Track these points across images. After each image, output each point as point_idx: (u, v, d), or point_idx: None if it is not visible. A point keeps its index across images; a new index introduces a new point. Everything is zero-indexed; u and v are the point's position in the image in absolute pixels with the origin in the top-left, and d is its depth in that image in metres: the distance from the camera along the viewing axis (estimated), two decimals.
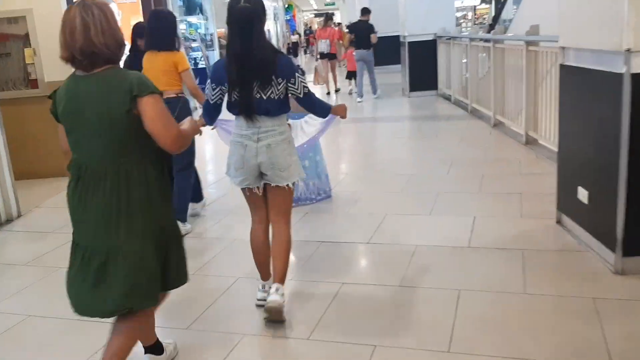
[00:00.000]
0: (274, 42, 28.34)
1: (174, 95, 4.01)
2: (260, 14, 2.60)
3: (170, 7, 10.57)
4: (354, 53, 11.34)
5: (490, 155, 6.00)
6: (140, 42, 4.44)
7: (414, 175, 5.40)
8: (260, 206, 2.86)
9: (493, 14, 28.54)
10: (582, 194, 3.42)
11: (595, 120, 3.25)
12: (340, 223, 4.32)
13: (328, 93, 12.36)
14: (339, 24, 20.78)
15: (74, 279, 2.09)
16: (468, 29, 21.93)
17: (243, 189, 2.82)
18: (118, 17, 2.22)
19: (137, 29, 4.60)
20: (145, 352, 2.41)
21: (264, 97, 2.62)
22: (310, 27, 27.14)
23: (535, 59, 6.03)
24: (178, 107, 3.76)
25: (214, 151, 7.24)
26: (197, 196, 4.63)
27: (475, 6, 27.00)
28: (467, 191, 4.78)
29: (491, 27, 10.52)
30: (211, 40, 14.02)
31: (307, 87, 2.71)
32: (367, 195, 4.92)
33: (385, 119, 9.21)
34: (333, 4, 43.07)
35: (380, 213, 4.32)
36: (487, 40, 7.82)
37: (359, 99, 11.06)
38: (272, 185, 2.75)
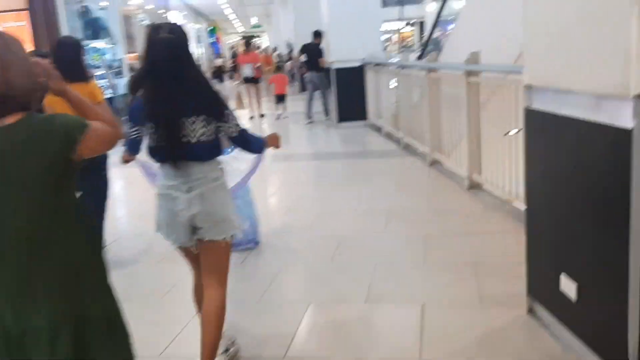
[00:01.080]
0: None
1: None
2: (186, 43, 2.33)
3: (68, 32, 9.30)
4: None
5: (432, 205, 5.11)
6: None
7: (345, 237, 4.40)
8: (195, 262, 2.54)
9: (418, 37, 28.71)
10: (568, 286, 2.52)
11: (588, 185, 2.36)
12: (252, 312, 3.24)
13: (252, 117, 12.11)
14: (264, 47, 19.99)
15: None
16: (395, 53, 21.61)
17: (178, 249, 2.52)
18: None
19: (37, 55, 3.71)
20: None
21: (193, 141, 2.30)
22: (236, 50, 26.07)
23: (478, 90, 5.25)
24: None
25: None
26: None
27: (399, 29, 26.84)
28: (410, 260, 3.83)
29: (422, 52, 9.85)
30: (119, 66, 12.68)
31: (239, 125, 2.43)
32: (288, 272, 3.90)
33: (312, 156, 8.24)
34: (259, 26, 42.43)
35: (303, 301, 3.30)
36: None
37: (307, 121, 10.96)
38: (205, 239, 2.39)
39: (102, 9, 11.75)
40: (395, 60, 8.32)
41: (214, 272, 2.45)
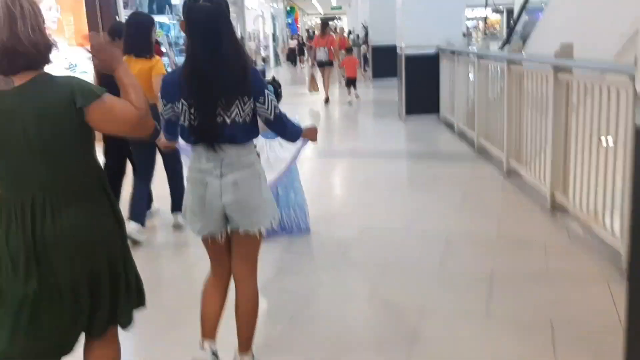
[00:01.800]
0: (270, 48, 26.81)
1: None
2: (226, 13, 2.15)
3: (130, 6, 8.94)
4: None
5: (503, 230, 4.19)
6: (118, 42, 4.04)
7: (390, 266, 3.63)
8: (223, 259, 2.37)
9: (505, 25, 26.88)
10: None
11: None
12: None
13: (327, 100, 12.12)
14: (341, 30, 19.20)
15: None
16: (478, 41, 20.22)
17: (203, 238, 2.32)
18: (56, 13, 2.61)
19: (113, 29, 4.37)
20: None
21: (228, 121, 2.15)
22: (314, 31, 25.37)
23: (568, 90, 4.28)
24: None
25: None
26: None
27: (485, 17, 25.23)
28: (468, 312, 3.00)
29: (505, 41, 8.74)
30: (183, 43, 12.26)
31: (278, 107, 2.27)
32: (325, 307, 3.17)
33: (372, 153, 7.37)
34: (339, 7, 41.59)
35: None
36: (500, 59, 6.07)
37: None
38: (239, 231, 2.27)
39: None
40: (473, 48, 7.32)
41: (247, 263, 2.33)
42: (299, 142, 2.95)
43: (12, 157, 1.70)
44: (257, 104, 2.20)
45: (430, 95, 9.18)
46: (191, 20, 2.12)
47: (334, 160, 7.12)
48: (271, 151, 3.84)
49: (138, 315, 2.02)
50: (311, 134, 2.65)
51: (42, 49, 1.69)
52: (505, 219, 4.44)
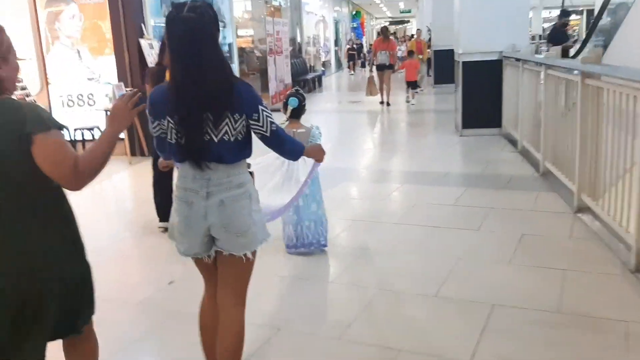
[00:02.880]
0: (331, 52, 26.04)
1: None
2: (209, 24, 2.02)
3: (153, 11, 8.34)
4: None
5: (568, 300, 3.13)
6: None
7: (427, 321, 2.69)
8: (213, 277, 2.24)
9: (584, 27, 24.85)
10: None
11: None
12: None
13: (382, 102, 12.30)
14: (418, 33, 18.22)
15: None
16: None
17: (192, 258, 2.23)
18: (79, 22, 2.59)
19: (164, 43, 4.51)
20: None
21: (216, 139, 2.03)
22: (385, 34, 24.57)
23: None
24: None
25: None
26: None
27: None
28: None
29: (581, 48, 7.47)
30: (229, 52, 11.69)
31: (274, 123, 2.12)
32: None
33: (417, 175, 6.35)
34: (409, 11, 40.39)
35: None
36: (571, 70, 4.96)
37: None
38: (224, 253, 2.13)
39: None
40: (541, 56, 6.20)
41: (233, 291, 2.20)
42: (310, 164, 2.91)
43: None
44: (251, 121, 2.07)
45: (491, 107, 8.08)
46: (170, 34, 2.02)
47: (370, 182, 6.20)
48: (291, 168, 3.59)
49: None
50: (315, 153, 2.51)
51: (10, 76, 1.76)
52: (572, 282, 3.35)
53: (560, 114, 5.38)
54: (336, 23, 29.40)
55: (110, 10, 7.54)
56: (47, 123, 1.72)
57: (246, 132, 2.09)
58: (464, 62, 8.09)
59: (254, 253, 2.15)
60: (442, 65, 14.19)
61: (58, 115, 7.69)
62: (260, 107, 2.08)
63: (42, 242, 1.80)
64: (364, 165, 7.09)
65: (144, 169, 7.13)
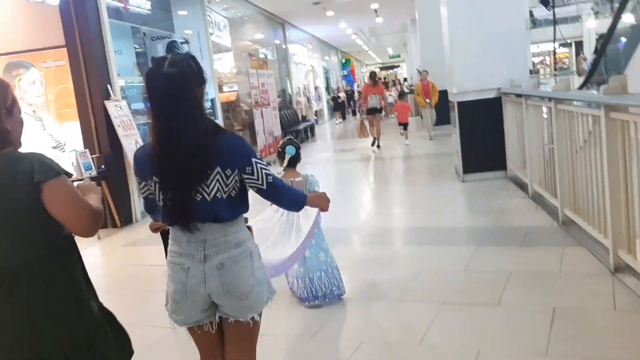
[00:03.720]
0: (323, 101, 25.66)
1: None
2: (191, 79, 1.91)
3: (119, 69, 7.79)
4: None
5: None
6: None
7: None
8: (215, 351, 2.10)
9: (574, 58, 24.65)
10: None
11: None
12: None
13: (373, 144, 12.51)
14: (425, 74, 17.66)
15: None
16: (546, 77, 18.23)
17: (189, 329, 2.06)
18: (40, 87, 2.28)
19: None
20: None
21: (208, 198, 1.92)
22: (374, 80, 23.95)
23: None
24: None
25: None
26: None
27: (554, 50, 23.14)
28: None
29: (587, 79, 6.82)
30: (211, 107, 11.11)
31: (270, 175, 2.02)
32: None
33: (424, 234, 5.56)
34: (398, 56, 40.52)
35: None
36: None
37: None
38: (229, 320, 2.01)
39: (185, 42, 10.19)
40: (547, 89, 5.55)
41: (240, 356, 2.08)
42: (314, 213, 2.94)
43: None
44: (245, 176, 1.96)
45: (493, 148, 7.40)
46: (150, 91, 1.92)
47: (366, 243, 5.43)
48: (290, 218, 3.50)
49: None
50: (319, 202, 2.42)
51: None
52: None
53: (577, 155, 4.67)
54: (326, 72, 29.22)
55: (72, 72, 6.94)
56: (55, 169, 1.71)
57: (240, 187, 1.98)
58: (459, 103, 7.44)
59: (260, 314, 2.04)
60: (438, 106, 13.66)
61: None
62: (253, 159, 1.97)
63: (45, 299, 1.73)
64: (360, 222, 6.33)
65: (115, 244, 6.42)
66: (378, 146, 12.38)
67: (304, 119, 19.58)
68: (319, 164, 11.61)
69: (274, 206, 3.36)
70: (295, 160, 3.81)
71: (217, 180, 1.91)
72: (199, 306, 1.98)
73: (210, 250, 1.94)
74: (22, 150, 1.78)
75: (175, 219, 1.94)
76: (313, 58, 25.04)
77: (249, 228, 2.09)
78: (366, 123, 12.50)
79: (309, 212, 3.33)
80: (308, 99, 22.80)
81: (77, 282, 1.81)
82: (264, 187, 1.99)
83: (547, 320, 3.16)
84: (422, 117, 13.89)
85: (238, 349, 2.07)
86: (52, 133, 7.20)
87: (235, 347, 2.07)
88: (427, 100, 12.75)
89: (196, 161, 1.89)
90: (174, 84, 1.86)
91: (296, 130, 15.99)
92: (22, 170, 1.67)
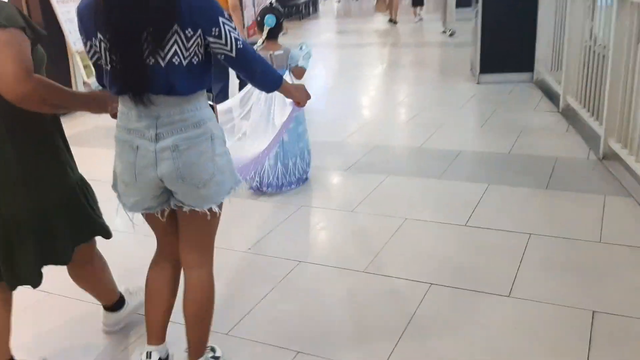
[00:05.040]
0: None
1: None
2: None
3: None
4: None
5: None
6: None
7: None
8: (168, 234, 1.88)
9: None
10: None
11: None
12: None
13: (390, 20, 12.16)
14: None
15: None
16: None
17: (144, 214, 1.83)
18: None
19: None
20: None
21: (162, 63, 1.58)
22: None
23: None
24: None
25: None
26: None
27: None
28: None
29: None
30: None
31: (240, 40, 1.66)
32: None
33: (419, 159, 4.27)
34: None
35: None
36: None
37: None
38: (184, 209, 1.75)
39: None
40: None
41: (198, 249, 1.84)
42: (288, 106, 2.48)
43: None
44: (210, 39, 1.61)
45: (520, 43, 5.99)
46: None
47: (348, 171, 4.25)
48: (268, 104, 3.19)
49: None
50: (296, 93, 2.03)
51: None
52: None
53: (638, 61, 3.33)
54: None
55: None
56: (5, 20, 1.57)
57: (204, 53, 1.64)
58: None
59: (220, 205, 1.76)
60: None
61: None
62: (221, 19, 1.61)
63: (29, 154, 1.76)
64: (343, 133, 5.06)
65: None
66: (395, 22, 12.00)
67: None
68: (315, 46, 10.10)
69: (250, 89, 3.12)
70: (276, 31, 3.48)
71: (175, 41, 1.56)
72: (150, 192, 1.72)
73: (164, 129, 1.64)
74: None
75: (123, 86, 1.62)
76: None
77: (212, 107, 1.76)
78: None
79: (287, 105, 2.68)
80: None
81: (56, 144, 1.83)
82: (233, 55, 1.67)
83: (584, 328, 2.05)
84: (418, 17, 12.21)
85: (193, 243, 1.83)
86: None
87: (189, 241, 1.83)
88: None
89: (153, 12, 1.52)
90: None
91: (295, 4, 14.20)
92: None
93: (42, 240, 1.82)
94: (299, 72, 3.47)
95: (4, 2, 1.62)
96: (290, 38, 9.56)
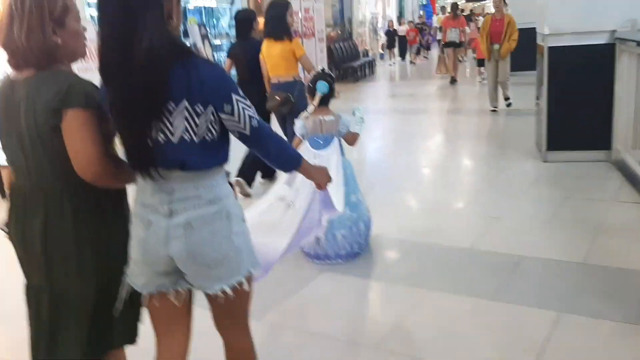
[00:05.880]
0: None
1: (292, 79, 4.70)
2: None
3: None
4: None
5: None
6: (255, 28, 5.00)
7: None
8: (175, 330, 1.76)
9: None
10: None
11: None
12: None
13: (453, 82, 11.95)
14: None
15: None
16: None
17: (150, 298, 1.72)
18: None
19: (242, 18, 5.17)
20: None
21: (173, 139, 1.56)
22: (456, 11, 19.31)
23: None
24: (296, 90, 4.62)
25: None
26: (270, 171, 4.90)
27: None
28: None
29: None
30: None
31: (255, 118, 1.62)
32: None
33: (466, 264, 3.56)
34: None
35: None
36: None
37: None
38: (206, 291, 1.69)
39: None
40: None
41: (232, 327, 1.76)
42: (309, 188, 2.39)
43: (14, 146, 1.69)
44: (222, 115, 1.57)
45: (594, 118, 5.20)
46: (101, 3, 1.54)
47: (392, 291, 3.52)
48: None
49: None
50: (315, 175, 1.86)
51: (37, 51, 1.61)
52: None
53: None
54: (400, 1, 26.30)
55: None
56: (83, 99, 1.60)
57: (220, 129, 1.60)
58: (551, 48, 5.17)
59: (240, 283, 1.65)
60: (520, 46, 11.06)
61: None
62: (234, 96, 1.58)
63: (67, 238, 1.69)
64: (379, 229, 4.34)
65: None
66: (454, 80, 11.98)
67: (366, 53, 17.28)
68: (367, 112, 9.55)
69: (280, 190, 2.86)
70: (327, 97, 3.43)
71: (185, 117, 1.52)
72: (161, 267, 1.63)
73: (178, 205, 1.58)
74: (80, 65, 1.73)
75: (133, 162, 1.58)
76: None
77: (230, 185, 1.70)
78: (445, 58, 12.26)
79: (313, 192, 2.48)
80: (375, 31, 20.32)
81: (120, 215, 1.77)
82: (247, 133, 1.61)
83: None
84: (482, 76, 11.18)
85: (223, 324, 1.75)
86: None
87: (219, 321, 1.75)
88: (495, 47, 8.19)
89: (147, 88, 1.49)
90: None
91: (350, 66, 13.88)
92: (48, 92, 1.58)
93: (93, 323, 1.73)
94: (351, 138, 3.45)
95: (85, 80, 1.65)
96: (342, 102, 9.07)
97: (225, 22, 9.18)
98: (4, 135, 1.71)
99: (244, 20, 5.12)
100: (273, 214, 2.71)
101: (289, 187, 2.82)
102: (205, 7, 8.72)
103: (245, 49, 4.95)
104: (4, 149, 1.75)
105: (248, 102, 1.61)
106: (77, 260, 1.67)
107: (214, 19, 9.08)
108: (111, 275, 1.71)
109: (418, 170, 5.94)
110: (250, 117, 1.59)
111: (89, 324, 1.70)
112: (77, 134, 1.58)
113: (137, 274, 1.67)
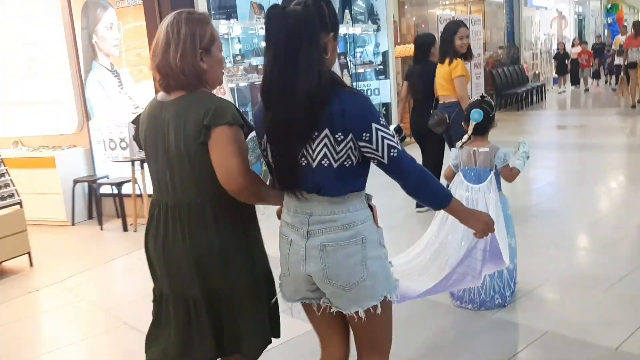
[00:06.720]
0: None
1: (454, 100, 4.70)
2: (315, 25, 1.61)
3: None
4: None
5: None
6: (433, 52, 5.16)
7: None
8: (330, 334, 1.87)
9: None
10: None
11: None
12: None
13: (633, 106, 11.13)
14: None
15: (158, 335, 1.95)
16: None
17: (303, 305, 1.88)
18: (117, 34, 2.02)
19: (421, 42, 5.34)
20: None
21: (312, 164, 1.65)
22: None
23: None
24: (455, 111, 4.60)
25: None
26: None
27: None
28: None
29: None
30: (382, 63, 8.65)
31: (395, 148, 1.64)
32: None
33: None
34: None
35: None
36: None
37: None
38: (343, 309, 1.76)
39: None
40: None
41: (369, 349, 1.82)
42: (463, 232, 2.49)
43: (160, 163, 1.83)
44: (361, 143, 1.62)
45: None
46: (267, 33, 1.67)
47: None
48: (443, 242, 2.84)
49: None
50: (473, 221, 1.81)
51: (190, 75, 1.76)
52: None
53: None
54: (581, 19, 23.94)
55: (145, 13, 5.16)
56: (228, 119, 1.73)
57: (360, 157, 1.65)
58: None
59: (375, 308, 1.70)
60: None
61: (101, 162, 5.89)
62: (374, 125, 1.61)
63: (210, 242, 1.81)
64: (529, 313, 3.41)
65: None
66: (634, 106, 11.12)
67: (536, 77, 15.75)
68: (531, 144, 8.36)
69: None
70: (483, 126, 3.18)
71: (325, 144, 1.61)
72: (303, 285, 1.76)
73: (315, 227, 1.68)
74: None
75: (281, 183, 1.73)
76: (562, 1, 20.35)
77: (371, 208, 1.73)
78: (625, 79, 11.51)
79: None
80: (549, 53, 18.54)
81: (241, 227, 1.86)
82: (385, 162, 1.63)
83: None
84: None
85: (362, 344, 1.83)
86: (129, 93, 5.61)
87: (359, 342, 1.84)
88: None
89: (302, 118, 1.60)
90: (295, 22, 1.58)
91: (514, 93, 12.61)
92: (197, 111, 1.72)
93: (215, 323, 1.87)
94: (509, 173, 3.14)
95: (229, 101, 1.80)
96: (499, 132, 8.05)
97: (371, 49, 8.69)
98: (150, 152, 1.86)
99: (422, 44, 5.29)
100: (421, 260, 2.67)
101: (438, 229, 2.77)
102: (348, 34, 8.31)
103: (421, 72, 5.10)
104: (149, 165, 1.90)
105: (390, 132, 1.63)
106: (226, 261, 1.81)
107: (357, 47, 8.65)
108: (255, 277, 1.87)
109: (577, 231, 4.81)
110: (389, 146, 1.61)
111: (245, 320, 1.85)
112: (224, 148, 1.71)
113: (286, 285, 1.81)
